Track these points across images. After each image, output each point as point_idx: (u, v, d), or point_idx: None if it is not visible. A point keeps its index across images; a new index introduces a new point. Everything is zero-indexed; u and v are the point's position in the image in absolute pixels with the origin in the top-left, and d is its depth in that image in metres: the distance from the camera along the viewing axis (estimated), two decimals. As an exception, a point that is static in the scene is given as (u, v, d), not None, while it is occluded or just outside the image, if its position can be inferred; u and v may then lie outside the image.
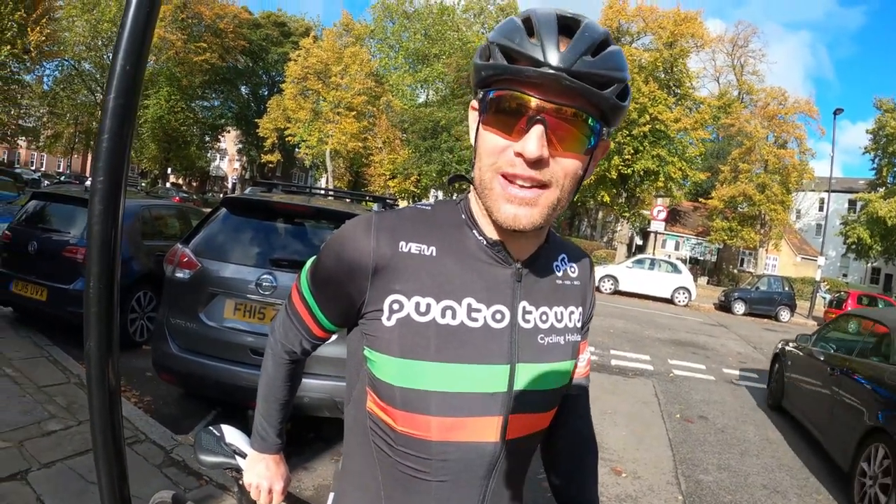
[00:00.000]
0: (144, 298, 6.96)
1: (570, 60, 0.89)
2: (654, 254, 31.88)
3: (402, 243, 1.03)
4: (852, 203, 46.44)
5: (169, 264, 4.52)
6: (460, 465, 1.04)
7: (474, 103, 1.02)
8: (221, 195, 55.54)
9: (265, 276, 4.25)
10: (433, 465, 1.03)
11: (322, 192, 6.74)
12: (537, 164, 0.93)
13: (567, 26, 0.93)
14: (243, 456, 1.50)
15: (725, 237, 38.27)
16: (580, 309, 1.19)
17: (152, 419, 4.54)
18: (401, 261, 1.02)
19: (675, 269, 24.83)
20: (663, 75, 36.25)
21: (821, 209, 36.50)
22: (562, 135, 0.94)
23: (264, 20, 55.67)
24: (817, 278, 28.53)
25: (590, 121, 0.95)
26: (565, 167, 0.96)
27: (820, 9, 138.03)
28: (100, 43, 44.47)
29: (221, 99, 54.73)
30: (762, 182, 36.47)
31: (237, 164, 66.62)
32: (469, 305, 1.02)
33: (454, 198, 1.13)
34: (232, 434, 1.58)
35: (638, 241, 43.65)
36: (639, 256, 27.29)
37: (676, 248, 44.89)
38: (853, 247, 41.56)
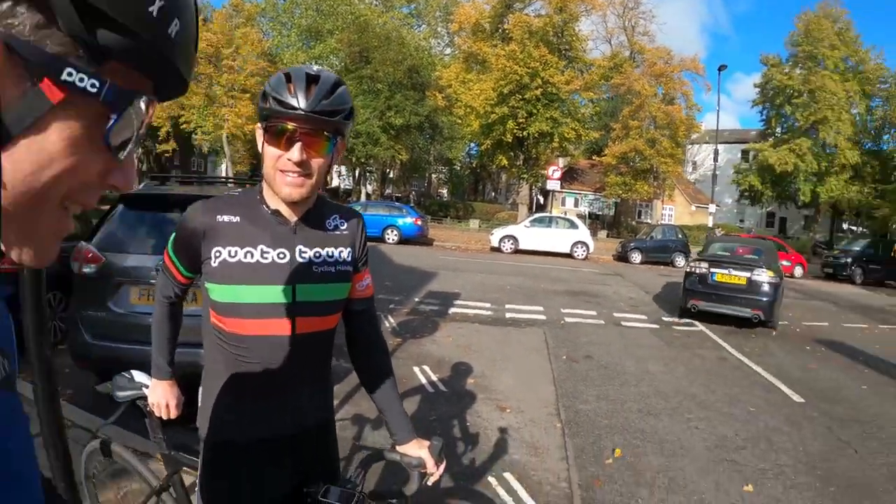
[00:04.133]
0: (54, 300, 7.12)
1: (313, 105, 1.52)
2: (552, 212, 32.96)
3: (219, 216, 1.69)
4: (745, 153, 48.95)
5: (76, 261, 4.87)
6: (268, 350, 1.69)
7: (259, 125, 1.64)
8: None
9: None
10: (250, 350, 1.69)
11: (220, 180, 7.08)
12: (300, 164, 1.57)
13: (313, 78, 1.55)
14: (147, 387, 2.16)
15: (621, 191, 40.25)
16: (349, 250, 1.83)
17: (76, 407, 4.81)
18: (218, 226, 1.68)
19: (573, 225, 25.86)
20: (554, 40, 37.02)
21: (715, 160, 37.95)
22: (311, 145, 1.57)
23: (146, 3, 53.62)
24: (710, 224, 30.05)
25: (326, 134, 1.58)
26: (317, 163, 1.61)
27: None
28: None
29: (107, 90, 52.49)
30: (652, 137, 38.44)
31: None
32: (262, 249, 1.68)
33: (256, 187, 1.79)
34: (139, 375, 2.31)
35: (540, 200, 44.82)
36: (537, 215, 28.31)
37: (576, 204, 46.42)
38: (746, 193, 44.17)
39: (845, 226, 48.91)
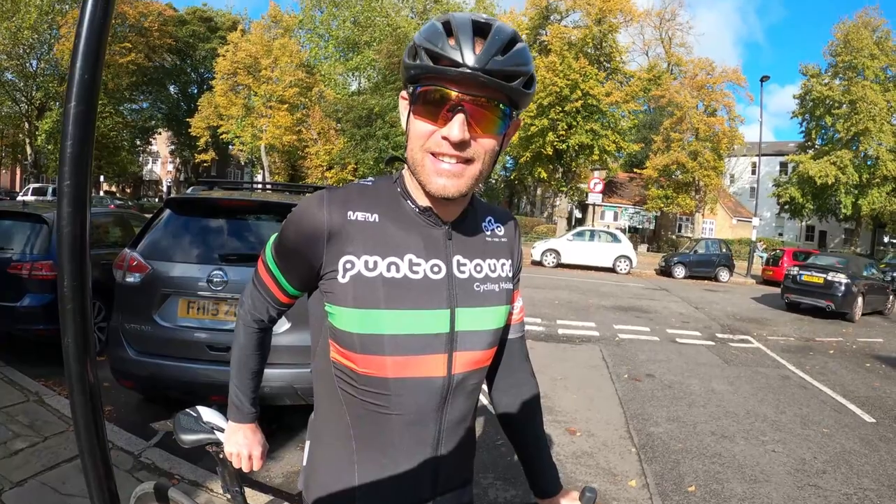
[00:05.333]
0: (93, 309, 6.82)
1: (484, 61, 1.09)
2: (593, 225, 32.58)
3: (350, 213, 1.24)
4: (783, 165, 48.32)
5: (119, 269, 4.53)
6: (415, 398, 1.25)
7: (404, 94, 1.22)
8: (157, 199, 53.26)
9: (216, 273, 4.31)
10: (392, 399, 1.24)
11: (262, 186, 6.76)
12: (460, 145, 1.14)
13: (480, 29, 1.12)
14: (221, 430, 1.72)
15: (662, 204, 39.81)
16: (509, 261, 1.41)
17: (117, 427, 4.52)
18: (350, 227, 1.23)
19: (615, 239, 25.42)
20: (593, 51, 37.09)
21: (753, 173, 38.02)
22: (479, 119, 1.14)
23: (190, 16, 54.28)
24: (753, 238, 29.52)
25: (501, 106, 1.16)
26: (484, 145, 1.17)
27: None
28: (21, 51, 42.49)
29: (150, 100, 53.16)
30: (694, 150, 38.00)
31: (170, 167, 64.90)
32: (410, 260, 1.25)
33: (391, 175, 1.34)
34: (208, 413, 1.81)
35: (577, 214, 44.46)
36: (579, 229, 27.93)
37: (615, 218, 45.90)
38: (786, 206, 43.48)
39: (886, 239, 47.79)
